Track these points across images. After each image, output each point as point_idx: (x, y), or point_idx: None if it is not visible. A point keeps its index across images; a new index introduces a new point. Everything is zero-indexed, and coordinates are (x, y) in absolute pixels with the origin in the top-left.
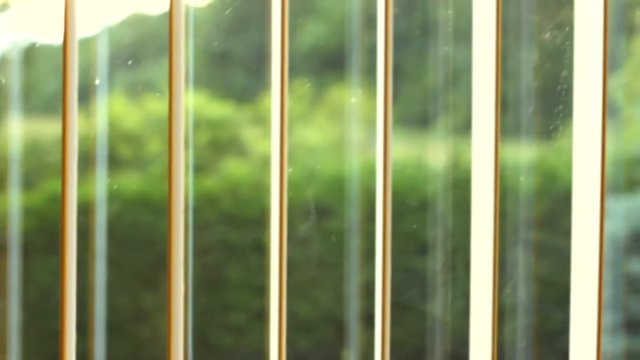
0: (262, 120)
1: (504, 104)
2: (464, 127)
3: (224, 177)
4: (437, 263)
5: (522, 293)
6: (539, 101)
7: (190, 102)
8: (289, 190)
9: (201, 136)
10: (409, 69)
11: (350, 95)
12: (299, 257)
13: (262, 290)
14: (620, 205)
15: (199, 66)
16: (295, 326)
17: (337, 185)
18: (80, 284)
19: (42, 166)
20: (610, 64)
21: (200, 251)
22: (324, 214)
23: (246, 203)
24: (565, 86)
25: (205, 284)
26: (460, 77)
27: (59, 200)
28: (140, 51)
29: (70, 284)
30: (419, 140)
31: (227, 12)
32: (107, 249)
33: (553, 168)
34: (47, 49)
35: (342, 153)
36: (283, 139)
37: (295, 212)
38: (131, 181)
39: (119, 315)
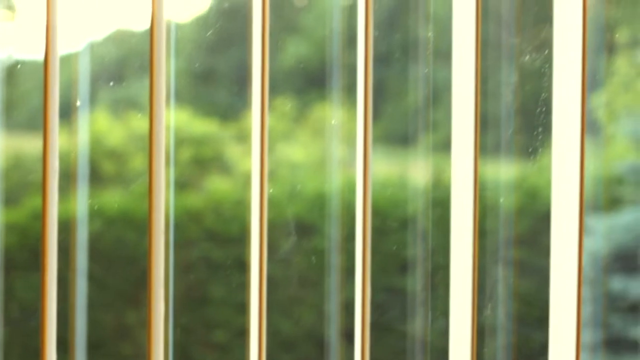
0: (245, 138)
1: (485, 124)
2: (445, 146)
3: (207, 194)
4: (417, 282)
5: (502, 312)
6: (519, 121)
7: (173, 119)
8: (271, 209)
9: (184, 153)
10: (391, 88)
11: (332, 114)
12: (280, 275)
13: (244, 308)
14: (601, 224)
15: (183, 84)
16: (277, 344)
17: (319, 203)
18: (62, 301)
19: (24, 183)
20: (591, 83)
21: (183, 268)
22: (305, 232)
23: (229, 220)
24: (544, 108)
25: (188, 301)
26: (440, 96)
27: (41, 217)
28: (123, 68)
29: (51, 301)
30: (400, 158)
31: (208, 34)
32: (90, 266)
33: (533, 187)
34: (30, 66)
35: (324, 171)
36: (263, 157)
37: (276, 230)
38: (114, 198)
39: (100, 333)
